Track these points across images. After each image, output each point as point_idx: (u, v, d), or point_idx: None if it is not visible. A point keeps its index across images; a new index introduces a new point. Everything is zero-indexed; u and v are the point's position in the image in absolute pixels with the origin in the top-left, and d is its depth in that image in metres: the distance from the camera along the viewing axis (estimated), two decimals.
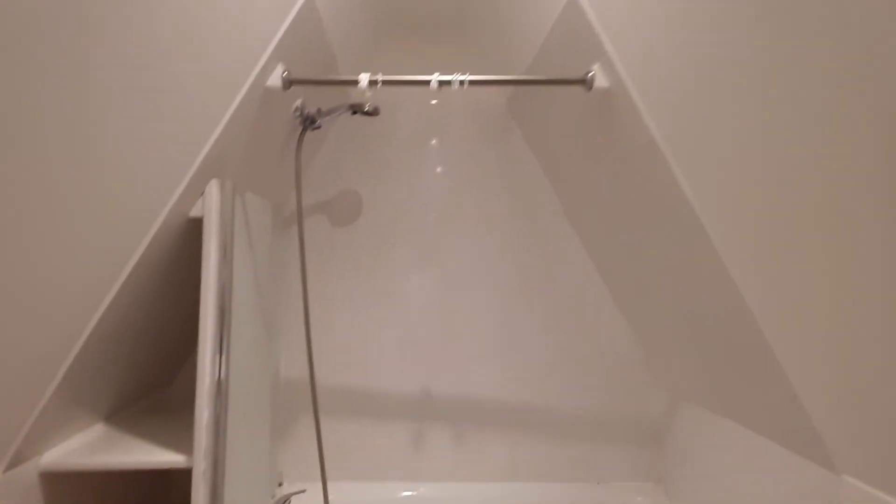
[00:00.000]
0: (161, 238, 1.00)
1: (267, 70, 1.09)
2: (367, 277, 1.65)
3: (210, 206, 1.03)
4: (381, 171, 1.67)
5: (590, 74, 1.10)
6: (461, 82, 1.10)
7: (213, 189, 1.04)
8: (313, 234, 1.64)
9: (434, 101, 1.68)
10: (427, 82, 1.11)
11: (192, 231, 1.06)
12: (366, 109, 1.30)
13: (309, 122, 1.29)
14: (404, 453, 1.63)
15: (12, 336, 0.76)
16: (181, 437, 1.13)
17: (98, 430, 1.18)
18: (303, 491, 1.35)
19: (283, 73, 1.13)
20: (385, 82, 1.11)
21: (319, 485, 1.50)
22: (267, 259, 1.37)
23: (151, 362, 1.37)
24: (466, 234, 1.68)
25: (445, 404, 1.65)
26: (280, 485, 1.55)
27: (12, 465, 0.91)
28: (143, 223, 0.94)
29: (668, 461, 1.65)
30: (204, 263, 1.00)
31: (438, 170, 1.69)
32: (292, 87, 1.15)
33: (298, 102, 1.28)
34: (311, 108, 1.31)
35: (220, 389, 1.02)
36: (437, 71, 1.12)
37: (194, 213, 1.05)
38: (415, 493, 1.60)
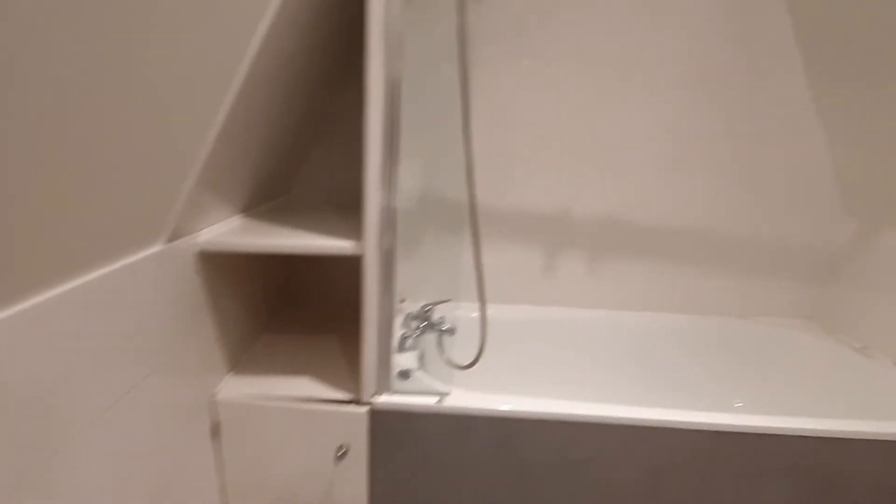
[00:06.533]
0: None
1: None
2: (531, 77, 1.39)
3: None
4: None
5: None
6: None
7: None
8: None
9: None
10: None
11: None
12: None
13: None
14: (536, 277, 1.54)
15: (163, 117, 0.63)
16: (331, 229, 1.03)
17: (238, 221, 1.11)
18: (448, 300, 1.30)
19: None
20: None
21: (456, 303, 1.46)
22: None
23: (276, 164, 1.25)
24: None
25: (586, 225, 1.50)
26: (402, 301, 1.51)
27: (172, 238, 0.86)
28: None
29: (836, 295, 1.48)
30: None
31: None
32: None
33: None
34: None
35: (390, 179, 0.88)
36: None
37: None
38: (543, 316, 1.54)
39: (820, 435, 1.00)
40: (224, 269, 1.06)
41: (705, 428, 1.00)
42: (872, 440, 1.01)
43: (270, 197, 1.35)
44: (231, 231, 1.00)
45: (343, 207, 1.36)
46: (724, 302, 1.55)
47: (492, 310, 1.53)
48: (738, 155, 1.42)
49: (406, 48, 0.90)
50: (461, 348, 1.35)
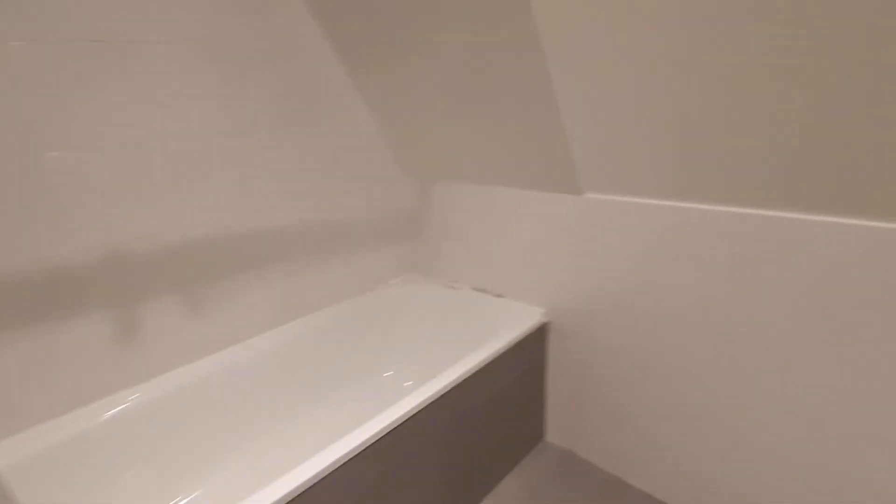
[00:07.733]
0: None
1: None
2: None
3: None
4: None
5: None
6: None
7: None
8: None
9: None
10: None
11: None
12: None
13: None
14: (113, 353, 1.08)
15: None
16: None
17: None
18: None
19: None
20: None
21: None
22: None
23: None
24: None
25: (161, 264, 1.13)
26: None
27: None
28: None
29: (423, 246, 1.68)
30: None
31: None
32: None
33: None
34: None
35: None
36: None
37: None
38: (140, 397, 1.11)
39: (451, 386, 1.08)
40: None
41: (356, 451, 0.93)
42: (482, 367, 1.17)
43: None
44: None
45: None
46: (348, 284, 1.54)
47: (36, 434, 1.01)
48: (305, 145, 1.36)
49: None
50: None
